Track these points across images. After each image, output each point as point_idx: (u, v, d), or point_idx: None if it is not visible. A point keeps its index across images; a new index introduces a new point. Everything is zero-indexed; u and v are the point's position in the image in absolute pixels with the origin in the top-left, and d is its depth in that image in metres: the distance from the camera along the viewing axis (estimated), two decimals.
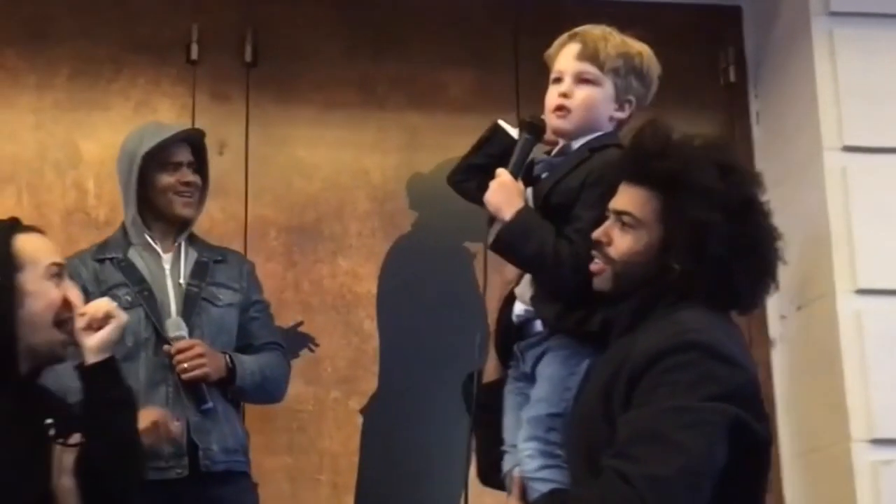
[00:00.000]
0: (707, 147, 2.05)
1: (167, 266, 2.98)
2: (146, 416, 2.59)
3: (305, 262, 3.59)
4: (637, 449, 1.80)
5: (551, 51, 2.28)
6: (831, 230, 3.35)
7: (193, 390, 2.84)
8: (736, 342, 1.96)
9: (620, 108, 2.24)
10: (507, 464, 2.19)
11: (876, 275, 3.33)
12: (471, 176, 2.29)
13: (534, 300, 2.16)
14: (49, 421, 2.21)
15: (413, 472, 3.47)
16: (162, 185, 2.99)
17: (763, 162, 3.78)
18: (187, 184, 3.01)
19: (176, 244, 3.02)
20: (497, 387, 2.25)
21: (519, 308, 2.21)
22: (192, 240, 3.08)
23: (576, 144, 2.22)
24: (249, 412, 3.04)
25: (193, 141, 3.09)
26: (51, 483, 2.17)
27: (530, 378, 2.19)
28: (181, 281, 2.96)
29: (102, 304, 2.27)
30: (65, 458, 2.19)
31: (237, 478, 2.92)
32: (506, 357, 2.27)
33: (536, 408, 2.12)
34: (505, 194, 2.13)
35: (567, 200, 2.14)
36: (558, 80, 2.23)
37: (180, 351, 2.83)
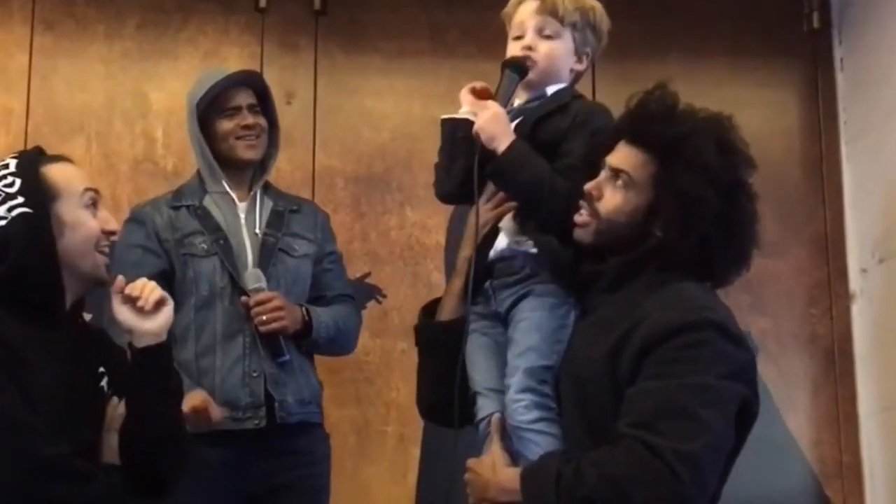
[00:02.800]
0: (710, 121, 2.06)
1: (242, 215, 2.96)
2: (188, 401, 2.54)
3: (373, 213, 3.58)
4: (662, 423, 1.84)
5: (508, 9, 2.33)
6: None
7: (270, 342, 2.83)
8: (735, 321, 2.00)
9: (579, 60, 2.30)
10: (485, 408, 2.16)
11: None
12: (454, 184, 2.26)
13: (531, 233, 2.15)
14: (102, 370, 2.19)
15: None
16: (222, 130, 2.97)
17: (847, 111, 3.70)
18: (247, 126, 2.97)
19: (252, 193, 3.00)
20: (454, 325, 2.21)
21: (502, 243, 2.19)
22: (267, 188, 3.06)
23: (550, 90, 2.26)
24: (317, 364, 3.03)
25: (253, 83, 3.06)
26: (99, 434, 2.15)
27: (501, 319, 2.18)
28: (257, 230, 2.95)
29: (153, 291, 2.18)
30: (116, 413, 2.16)
31: (311, 428, 2.92)
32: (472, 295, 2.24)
33: (528, 357, 2.09)
34: (498, 124, 2.14)
35: (555, 138, 2.18)
36: (519, 36, 2.28)
37: (259, 303, 2.82)
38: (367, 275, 3.51)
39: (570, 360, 2.06)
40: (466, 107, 2.24)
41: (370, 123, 3.64)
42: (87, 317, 2.37)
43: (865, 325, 3.53)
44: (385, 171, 3.60)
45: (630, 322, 1.94)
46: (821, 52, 3.77)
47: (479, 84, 2.28)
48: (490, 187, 2.21)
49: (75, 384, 2.12)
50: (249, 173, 3.02)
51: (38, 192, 2.14)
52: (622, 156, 2.05)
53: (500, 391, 2.13)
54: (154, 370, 2.17)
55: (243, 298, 2.83)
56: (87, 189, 2.22)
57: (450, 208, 3.56)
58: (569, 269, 2.11)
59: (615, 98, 2.35)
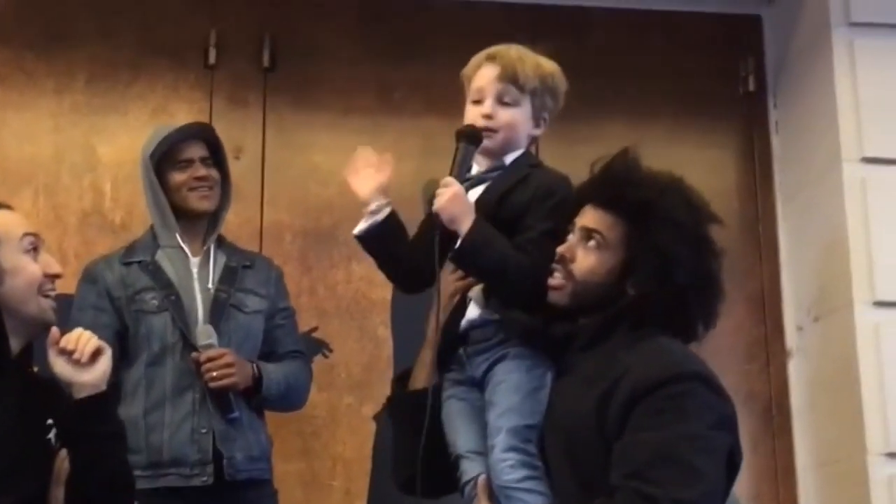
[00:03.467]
0: (674, 181, 2.13)
1: (195, 270, 2.97)
2: None
3: (321, 268, 3.59)
4: (658, 472, 1.86)
5: (468, 70, 2.33)
6: (849, 241, 3.34)
7: (220, 399, 2.83)
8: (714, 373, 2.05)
9: (537, 125, 2.30)
10: (470, 471, 2.16)
11: (894, 287, 3.30)
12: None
13: (497, 308, 2.17)
14: (50, 422, 2.17)
15: None
16: (175, 182, 2.98)
17: (781, 172, 3.78)
18: (200, 178, 2.99)
19: (205, 248, 3.01)
20: (425, 394, 2.19)
21: (474, 313, 2.20)
22: (221, 244, 3.07)
23: (508, 160, 2.27)
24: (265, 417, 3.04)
25: (206, 136, 3.08)
26: (46, 488, 2.13)
27: (477, 383, 2.19)
28: (209, 286, 2.95)
29: (90, 340, 2.17)
30: (63, 466, 2.14)
31: (259, 485, 2.92)
32: (444, 364, 2.26)
33: (510, 418, 2.10)
34: (459, 204, 2.14)
35: (516, 213, 2.18)
36: (478, 101, 2.27)
37: (210, 359, 2.82)
38: (315, 329, 3.51)
39: (554, 417, 2.08)
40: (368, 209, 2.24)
41: (318, 178, 3.66)
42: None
43: (801, 381, 3.59)
44: (332, 225, 3.62)
45: (613, 376, 1.98)
46: (756, 114, 3.86)
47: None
48: None
49: (19, 436, 2.10)
50: (203, 227, 3.03)
51: None
52: (592, 218, 2.11)
53: (483, 453, 2.13)
54: (94, 419, 2.15)
55: (193, 354, 2.83)
56: (27, 234, 2.21)
57: None
58: (539, 335, 2.13)
59: (559, 158, 2.43)
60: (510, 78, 2.25)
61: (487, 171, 2.27)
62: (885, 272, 3.31)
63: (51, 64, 3.61)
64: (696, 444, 1.89)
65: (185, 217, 3.00)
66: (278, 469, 3.13)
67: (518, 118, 2.26)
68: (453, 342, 2.22)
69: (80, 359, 2.14)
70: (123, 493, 2.20)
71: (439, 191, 2.16)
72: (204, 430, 2.81)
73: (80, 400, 2.15)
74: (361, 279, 3.59)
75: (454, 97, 3.69)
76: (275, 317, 3.04)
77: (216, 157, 3.07)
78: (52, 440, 2.18)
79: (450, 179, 2.18)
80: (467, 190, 2.21)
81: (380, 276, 3.56)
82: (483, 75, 2.28)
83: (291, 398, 3.04)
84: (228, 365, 2.82)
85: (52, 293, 2.23)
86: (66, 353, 2.14)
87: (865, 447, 3.18)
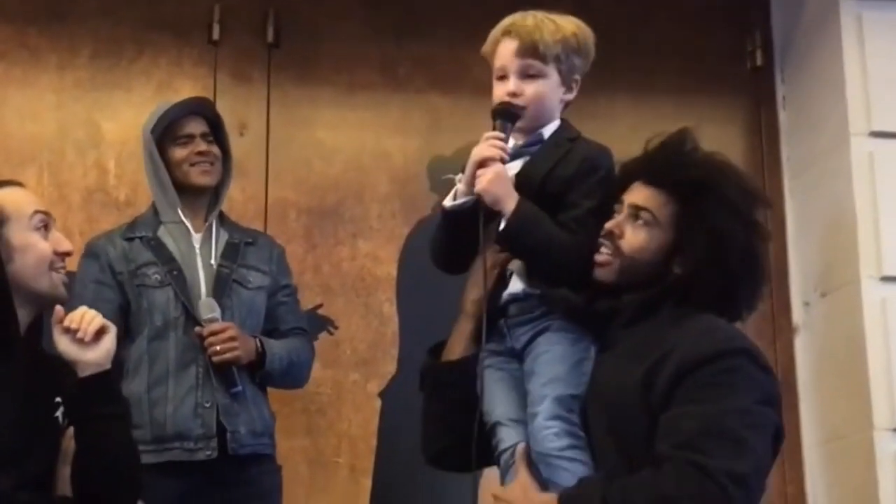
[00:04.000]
0: (728, 164, 2.14)
1: (197, 245, 2.97)
2: None
3: (325, 245, 3.58)
4: (709, 443, 1.86)
5: (486, 48, 2.25)
6: (857, 217, 3.33)
7: (224, 373, 2.84)
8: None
9: (569, 89, 2.24)
10: (508, 438, 2.14)
11: None
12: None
13: (540, 285, 2.14)
14: (58, 400, 2.18)
15: None
16: (176, 158, 2.99)
17: (789, 147, 3.77)
18: (201, 153, 2.99)
19: (207, 224, 3.01)
20: (464, 364, 2.20)
21: (517, 287, 2.17)
22: (223, 221, 3.08)
23: (546, 132, 2.22)
24: (269, 394, 3.04)
25: (206, 112, 3.08)
26: (54, 466, 2.14)
27: (517, 355, 2.17)
28: (212, 261, 2.96)
29: (94, 319, 2.17)
30: (71, 444, 2.15)
31: (262, 460, 2.92)
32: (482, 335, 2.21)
33: (556, 387, 2.08)
34: (503, 184, 2.10)
35: (560, 190, 2.15)
36: (503, 77, 2.21)
37: (213, 333, 2.82)
38: (320, 306, 3.51)
39: (597, 390, 2.07)
40: (460, 180, 2.17)
41: (322, 155, 3.65)
42: None
43: (808, 357, 3.59)
44: (337, 202, 3.62)
45: (661, 351, 1.98)
46: (764, 89, 3.84)
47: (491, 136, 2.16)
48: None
49: (27, 415, 2.11)
50: (204, 203, 3.04)
51: None
52: (642, 195, 2.10)
53: (522, 421, 2.12)
54: (98, 398, 2.16)
55: (197, 328, 2.84)
56: (37, 212, 2.22)
57: (401, 240, 3.60)
58: (582, 311, 2.12)
59: None
60: (530, 51, 2.17)
61: (525, 145, 2.22)
62: (892, 247, 3.30)
63: (54, 40, 3.59)
64: (745, 418, 1.90)
65: (187, 193, 3.00)
66: (284, 446, 3.14)
67: (545, 89, 2.19)
68: (493, 314, 2.18)
69: (84, 337, 2.14)
70: (129, 471, 2.20)
71: (480, 171, 2.10)
72: (208, 405, 2.82)
73: (83, 378, 2.15)
74: (366, 256, 3.59)
75: (458, 73, 3.73)
76: (277, 294, 3.05)
77: (217, 132, 3.07)
78: (60, 418, 2.18)
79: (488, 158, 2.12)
80: (506, 163, 2.15)
81: (385, 253, 3.62)
82: (503, 52, 2.21)
83: (294, 374, 3.04)
84: (232, 339, 2.82)
85: (63, 269, 2.23)
86: (70, 332, 2.14)
87: (872, 423, 3.18)
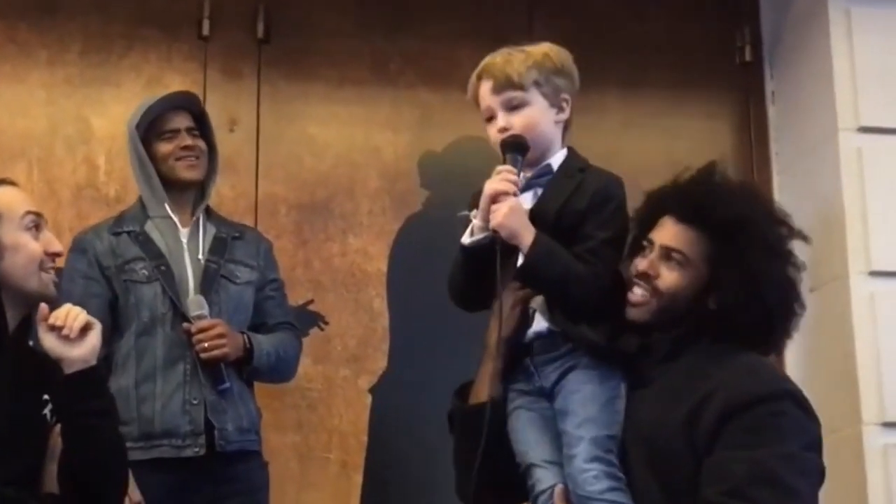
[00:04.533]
0: (758, 197, 2.19)
1: (185, 240, 2.96)
2: None
3: (316, 240, 3.58)
4: (757, 491, 1.88)
5: (469, 95, 2.27)
6: (845, 212, 3.33)
7: (211, 370, 2.83)
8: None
9: (560, 109, 2.24)
10: (545, 480, 2.12)
11: (890, 257, 3.31)
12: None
13: (561, 322, 2.14)
14: (46, 397, 2.19)
15: (421, 450, 3.47)
16: (161, 153, 2.98)
17: (777, 142, 3.78)
18: (187, 147, 2.98)
19: (194, 218, 3.00)
20: (494, 405, 2.17)
21: (541, 325, 2.17)
22: (210, 215, 3.07)
23: (554, 163, 2.22)
24: (259, 390, 3.04)
25: (190, 107, 3.07)
26: (41, 462, 2.15)
27: (546, 393, 2.16)
28: (200, 256, 2.95)
29: (78, 316, 2.17)
30: (59, 441, 2.16)
31: (249, 456, 2.92)
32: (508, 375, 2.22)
33: (591, 428, 2.08)
34: (518, 218, 2.10)
35: (575, 222, 2.15)
36: (491, 118, 2.22)
37: (201, 330, 2.82)
38: (310, 302, 3.51)
39: (637, 429, 2.07)
40: (475, 216, 2.17)
41: (313, 151, 3.65)
42: None
43: (797, 351, 3.59)
44: (327, 198, 3.61)
45: (704, 391, 1.99)
46: (753, 84, 3.84)
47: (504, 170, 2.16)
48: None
49: (15, 412, 2.12)
50: (191, 197, 3.03)
51: None
52: (673, 234, 2.12)
53: (557, 463, 2.11)
54: (84, 394, 2.16)
55: (185, 325, 2.83)
56: (29, 212, 2.23)
57: (392, 235, 3.61)
58: (604, 351, 2.11)
59: None
60: (505, 84, 2.19)
61: (535, 177, 2.22)
62: (880, 242, 3.31)
63: (43, 35, 3.58)
64: (792, 465, 1.91)
65: (173, 187, 3.00)
66: (274, 442, 3.14)
67: (534, 115, 2.19)
68: (518, 353, 2.18)
69: (70, 334, 2.14)
70: (115, 467, 2.22)
71: (494, 206, 2.10)
72: (195, 402, 2.81)
73: (69, 375, 2.15)
74: (357, 252, 3.59)
75: (449, 69, 3.73)
76: (265, 288, 3.04)
77: (202, 127, 3.06)
78: (48, 416, 2.19)
79: (504, 193, 2.12)
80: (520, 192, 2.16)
81: (375, 249, 3.62)
82: (482, 94, 2.23)
83: (281, 369, 3.04)
84: (220, 336, 2.82)
85: (53, 269, 2.24)
86: (56, 329, 2.15)
87: (861, 417, 3.19)
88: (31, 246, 2.21)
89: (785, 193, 3.70)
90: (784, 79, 3.78)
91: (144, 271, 2.89)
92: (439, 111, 3.72)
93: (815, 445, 1.99)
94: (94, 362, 2.18)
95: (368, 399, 3.50)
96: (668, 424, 2.01)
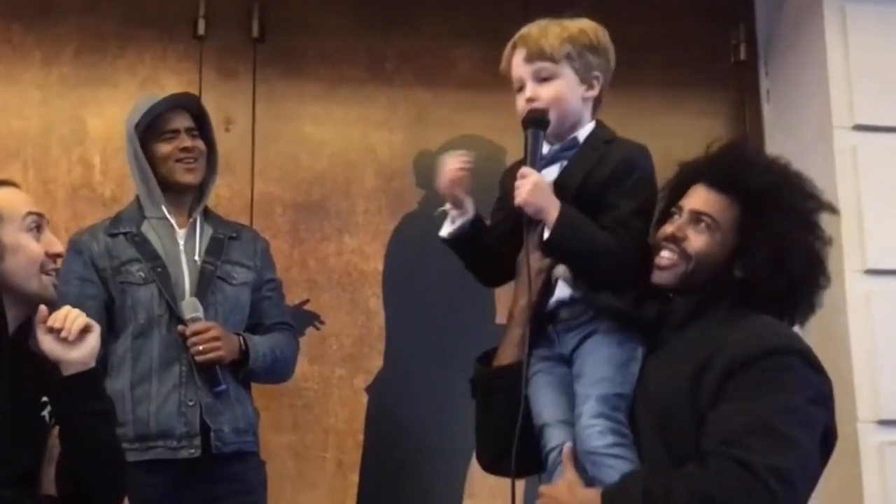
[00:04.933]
0: (790, 169, 2.17)
1: (181, 241, 2.95)
2: None
3: (311, 240, 3.58)
4: (754, 440, 1.88)
5: (503, 65, 2.29)
6: (841, 210, 3.32)
7: (207, 372, 2.83)
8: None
9: (589, 87, 2.25)
10: (554, 438, 2.15)
11: (885, 255, 3.31)
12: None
13: (585, 290, 2.16)
14: (45, 400, 2.18)
15: (417, 450, 3.48)
16: (161, 154, 2.97)
17: (773, 140, 3.78)
18: (186, 149, 2.97)
19: (192, 219, 2.99)
20: (515, 369, 2.20)
21: (564, 292, 2.19)
22: (207, 215, 3.05)
23: (581, 135, 2.24)
24: (255, 389, 3.04)
25: (190, 107, 3.06)
26: (39, 465, 2.15)
27: (566, 359, 2.19)
28: (196, 258, 2.94)
29: (77, 318, 2.17)
30: (57, 443, 2.16)
31: (246, 457, 2.91)
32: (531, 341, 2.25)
33: (601, 387, 2.10)
34: (543, 194, 2.12)
35: (599, 192, 2.16)
36: (521, 88, 2.25)
37: (196, 333, 2.81)
38: (306, 301, 3.51)
39: (646, 391, 2.09)
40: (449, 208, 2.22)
41: (309, 150, 3.65)
42: None
43: None
44: (323, 197, 3.62)
45: (709, 349, 2.00)
46: (748, 83, 3.85)
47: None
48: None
49: (14, 413, 2.11)
50: (189, 198, 3.02)
51: None
52: (703, 200, 2.13)
53: (569, 423, 2.13)
54: (82, 396, 2.15)
55: (180, 327, 2.82)
56: (30, 213, 2.22)
57: (387, 235, 3.61)
58: (627, 317, 2.13)
59: None
60: (537, 55, 2.21)
61: (561, 150, 2.23)
62: (876, 240, 3.31)
63: (38, 35, 3.58)
64: (793, 416, 1.91)
65: (171, 189, 2.98)
66: (271, 441, 3.14)
67: (562, 89, 2.21)
68: (541, 319, 2.21)
69: (68, 337, 2.14)
70: (113, 469, 2.21)
71: (518, 183, 2.13)
72: (191, 403, 2.81)
73: (68, 377, 2.15)
74: (353, 251, 3.59)
75: (445, 68, 3.73)
76: (261, 288, 3.04)
77: (201, 128, 3.05)
78: (47, 418, 2.19)
79: (527, 170, 2.14)
80: (542, 169, 2.18)
81: (371, 248, 3.62)
82: (515, 63, 2.25)
83: (278, 370, 3.04)
84: (215, 338, 2.81)
85: (54, 271, 2.24)
86: (54, 331, 2.14)
87: (856, 415, 3.19)
88: (33, 247, 2.20)
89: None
90: (779, 77, 3.78)
91: (141, 273, 2.88)
92: (435, 110, 3.72)
93: (822, 400, 1.98)
94: (92, 364, 2.18)
95: (364, 398, 3.51)
96: (674, 383, 2.02)
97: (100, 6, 3.62)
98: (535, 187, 2.11)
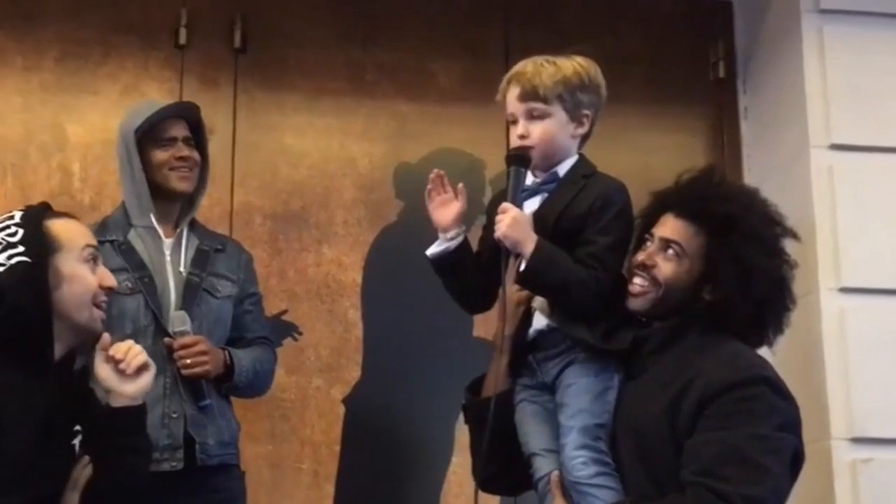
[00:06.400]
0: (756, 197, 2.30)
1: (168, 252, 2.93)
2: None
3: (290, 250, 3.58)
4: (728, 470, 1.98)
5: (499, 96, 2.41)
6: (816, 228, 3.36)
7: (192, 386, 2.82)
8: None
9: (579, 124, 2.37)
10: (542, 468, 2.26)
11: (860, 273, 3.34)
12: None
13: (560, 321, 2.26)
14: (77, 428, 2.21)
15: (394, 461, 3.48)
16: (157, 161, 2.95)
17: (750, 158, 3.81)
18: (182, 158, 2.96)
19: (178, 230, 2.98)
20: (503, 398, 2.32)
21: (541, 322, 2.30)
22: (193, 226, 3.04)
23: (562, 170, 2.34)
24: (233, 400, 3.03)
25: (189, 116, 3.05)
26: (61, 491, 2.16)
27: (548, 388, 2.29)
28: (182, 269, 2.92)
29: (138, 356, 2.26)
30: (82, 472, 2.18)
31: (228, 469, 2.91)
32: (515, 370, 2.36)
33: (581, 418, 2.20)
34: (521, 228, 2.22)
35: (574, 226, 2.26)
36: (514, 122, 2.36)
37: (184, 346, 2.80)
38: (284, 312, 3.50)
39: (625, 417, 2.18)
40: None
41: (288, 160, 3.65)
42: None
43: (774, 363, 3.62)
44: (302, 208, 3.62)
45: (686, 378, 2.09)
46: (726, 100, 3.88)
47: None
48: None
49: (45, 439, 2.13)
50: (177, 208, 3.00)
51: (39, 244, 2.20)
52: (672, 228, 2.24)
53: (555, 451, 2.24)
54: (127, 430, 2.23)
55: (167, 339, 2.81)
56: (88, 245, 2.29)
57: (367, 247, 3.61)
58: (598, 350, 2.22)
59: None
60: (531, 95, 2.32)
61: (543, 183, 2.34)
62: (851, 258, 3.33)
63: (20, 42, 3.57)
64: (763, 444, 2.01)
65: (162, 197, 2.96)
66: (247, 452, 3.14)
67: (551, 128, 2.32)
68: (523, 350, 2.32)
69: (126, 370, 2.22)
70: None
71: (499, 217, 2.23)
72: (175, 415, 2.79)
73: (116, 408, 2.22)
74: (331, 262, 3.59)
75: (425, 80, 3.75)
76: (244, 302, 3.03)
77: (197, 137, 3.05)
78: (76, 447, 2.22)
79: (507, 205, 2.25)
80: (523, 201, 2.29)
81: (349, 259, 3.62)
82: (509, 99, 2.36)
83: (258, 385, 3.03)
84: (202, 353, 2.80)
85: (104, 305, 2.31)
86: (114, 361, 2.22)
87: (829, 432, 3.21)
88: (89, 278, 2.26)
89: None
90: (757, 95, 3.81)
91: (127, 283, 2.85)
92: (414, 122, 3.73)
93: (790, 426, 2.08)
94: (140, 402, 2.26)
95: (341, 409, 3.50)
96: (652, 412, 2.11)
97: (82, 13, 3.61)
98: (514, 221, 2.22)
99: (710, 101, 3.89)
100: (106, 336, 2.25)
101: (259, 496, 3.31)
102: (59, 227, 2.26)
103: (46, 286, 2.17)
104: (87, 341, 2.28)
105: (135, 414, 2.24)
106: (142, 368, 2.25)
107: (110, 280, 2.31)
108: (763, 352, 3.62)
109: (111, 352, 2.22)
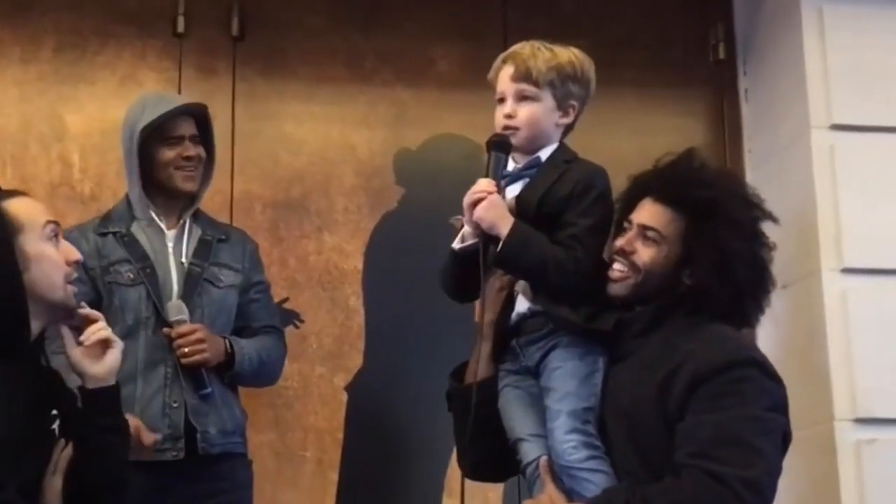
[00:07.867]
0: (734, 181, 2.34)
1: (170, 244, 2.94)
2: None
3: (291, 238, 3.58)
4: (722, 451, 2.00)
5: (491, 74, 2.42)
6: (818, 209, 3.35)
7: (193, 375, 2.83)
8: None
9: (565, 114, 2.38)
10: (530, 453, 2.26)
11: (862, 254, 3.33)
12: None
13: (544, 303, 2.26)
14: (55, 413, 2.20)
15: (397, 448, 3.48)
16: (163, 159, 2.95)
17: (751, 139, 3.80)
18: (188, 157, 2.96)
19: (181, 221, 2.98)
20: (486, 384, 2.32)
21: (523, 306, 2.30)
22: (197, 216, 3.04)
23: (543, 155, 2.35)
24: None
25: (196, 113, 3.04)
26: (42, 476, 2.15)
27: (532, 372, 2.29)
28: (183, 260, 2.93)
29: (100, 332, 2.24)
30: (62, 456, 2.17)
31: (233, 458, 2.92)
32: (498, 355, 2.36)
33: (569, 401, 2.20)
34: (496, 211, 2.22)
35: (556, 210, 2.26)
36: (502, 100, 2.37)
37: (181, 335, 2.80)
38: (286, 300, 3.50)
39: (614, 401, 2.19)
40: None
41: (288, 148, 3.65)
42: None
43: (769, 348, 3.58)
44: (303, 195, 3.61)
45: (675, 361, 2.11)
46: (726, 82, 3.86)
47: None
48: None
49: (24, 423, 2.12)
50: (181, 202, 3.01)
51: (1, 227, 2.14)
52: (650, 214, 2.24)
53: (542, 436, 2.24)
54: (102, 411, 2.21)
55: (165, 329, 2.82)
56: (49, 221, 2.24)
57: (367, 234, 3.61)
58: (582, 330, 2.23)
59: None
60: (524, 76, 2.33)
61: (524, 168, 2.34)
62: (852, 239, 3.33)
63: (16, 32, 3.56)
64: (756, 425, 2.03)
65: (167, 193, 2.98)
66: (251, 440, 3.14)
67: (538, 112, 2.33)
68: (506, 334, 2.32)
69: (84, 341, 2.20)
70: (122, 485, 2.25)
71: (472, 192, 2.24)
72: (175, 405, 2.80)
73: (91, 390, 2.20)
74: (332, 249, 3.59)
75: (424, 66, 3.74)
76: (249, 291, 3.03)
77: (203, 133, 3.04)
78: (56, 431, 2.20)
79: (482, 181, 2.26)
80: (505, 186, 2.29)
81: (350, 247, 3.62)
82: (501, 77, 2.37)
83: (265, 374, 3.03)
84: (199, 341, 2.81)
85: (73, 280, 2.27)
86: (83, 345, 2.22)
87: (833, 414, 3.21)
88: (55, 256, 2.22)
89: (758, 190, 3.71)
90: (757, 76, 3.80)
91: (129, 274, 2.87)
92: (414, 108, 3.73)
93: (779, 407, 2.11)
94: (112, 382, 2.24)
95: (344, 397, 3.51)
96: (642, 396, 2.12)
97: (79, 3, 3.60)
98: (490, 204, 2.22)
99: (711, 82, 3.88)
100: (90, 311, 2.25)
101: (263, 484, 3.31)
102: (16, 207, 2.19)
103: (17, 269, 2.12)
104: (62, 318, 2.25)
105: (109, 394, 2.22)
106: (105, 346, 2.22)
107: (75, 254, 2.27)
108: (767, 332, 3.65)
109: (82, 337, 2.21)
